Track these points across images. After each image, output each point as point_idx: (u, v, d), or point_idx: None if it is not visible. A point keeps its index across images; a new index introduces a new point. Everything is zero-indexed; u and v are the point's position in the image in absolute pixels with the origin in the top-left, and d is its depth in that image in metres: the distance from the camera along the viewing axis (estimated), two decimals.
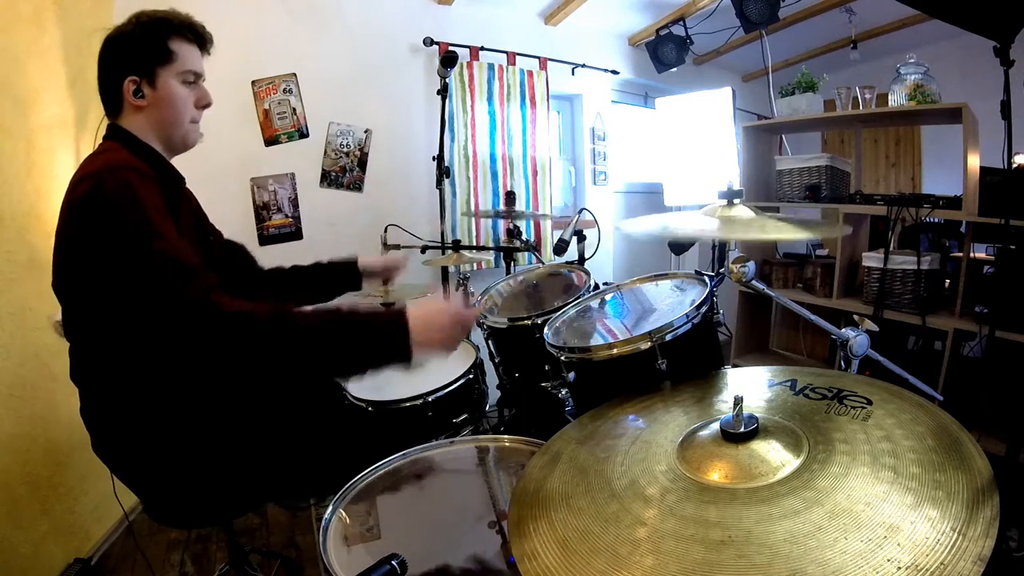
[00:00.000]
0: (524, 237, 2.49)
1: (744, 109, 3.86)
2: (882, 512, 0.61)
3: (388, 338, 0.99)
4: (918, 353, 2.67)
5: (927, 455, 0.69)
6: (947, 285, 2.54)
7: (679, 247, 3.89)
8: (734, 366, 1.91)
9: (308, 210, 2.75)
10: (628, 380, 1.14)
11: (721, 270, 1.51)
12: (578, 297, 1.56)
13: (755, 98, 4.18)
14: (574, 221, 2.11)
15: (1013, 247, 2.10)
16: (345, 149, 2.82)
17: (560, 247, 2.07)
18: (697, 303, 1.16)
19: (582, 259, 2.23)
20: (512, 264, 2.49)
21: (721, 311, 1.28)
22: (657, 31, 3.50)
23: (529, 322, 1.56)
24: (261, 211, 2.65)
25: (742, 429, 0.78)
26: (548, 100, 3.37)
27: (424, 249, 2.49)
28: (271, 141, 2.64)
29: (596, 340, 1.32)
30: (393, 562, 0.74)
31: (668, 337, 1.11)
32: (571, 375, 1.24)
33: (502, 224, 3.16)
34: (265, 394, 1.21)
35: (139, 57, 1.11)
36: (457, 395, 1.60)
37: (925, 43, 3.43)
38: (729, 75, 4.43)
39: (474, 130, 3.11)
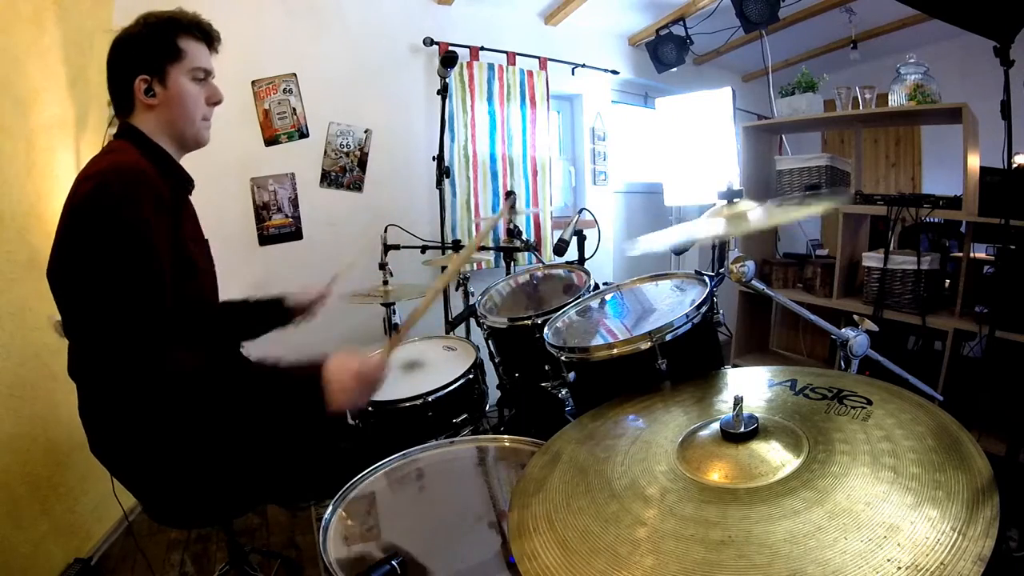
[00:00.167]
0: (524, 237, 2.49)
1: (744, 109, 3.86)
2: (882, 512, 0.61)
3: (304, 401, 1.03)
4: (918, 353, 2.67)
5: (927, 455, 0.69)
6: (947, 285, 2.54)
7: (679, 247, 3.89)
8: (734, 366, 1.91)
9: (308, 210, 2.75)
10: (628, 380, 1.14)
11: (721, 270, 1.51)
12: (578, 297, 1.56)
13: (755, 98, 4.18)
14: (574, 221, 2.11)
15: (1013, 247, 2.10)
16: (345, 149, 2.82)
17: (560, 247, 2.07)
18: (697, 303, 1.16)
19: (582, 259, 2.23)
20: (512, 264, 2.49)
21: (721, 311, 1.28)
22: (657, 31, 3.50)
23: (529, 322, 1.56)
24: (261, 211, 2.64)
25: (742, 429, 0.78)
26: (548, 100, 3.37)
27: (424, 249, 2.49)
28: (271, 141, 2.64)
29: (596, 340, 1.32)
30: (393, 562, 0.74)
31: (668, 337, 1.11)
32: (571, 375, 1.24)
33: (502, 224, 3.16)
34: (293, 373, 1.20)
35: (149, 56, 1.12)
36: (457, 395, 1.60)
37: (925, 43, 3.42)
38: (729, 75, 4.43)
39: (474, 130, 3.11)
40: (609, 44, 3.77)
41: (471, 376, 1.65)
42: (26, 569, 1.64)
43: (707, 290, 1.20)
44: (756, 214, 1.13)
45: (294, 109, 2.66)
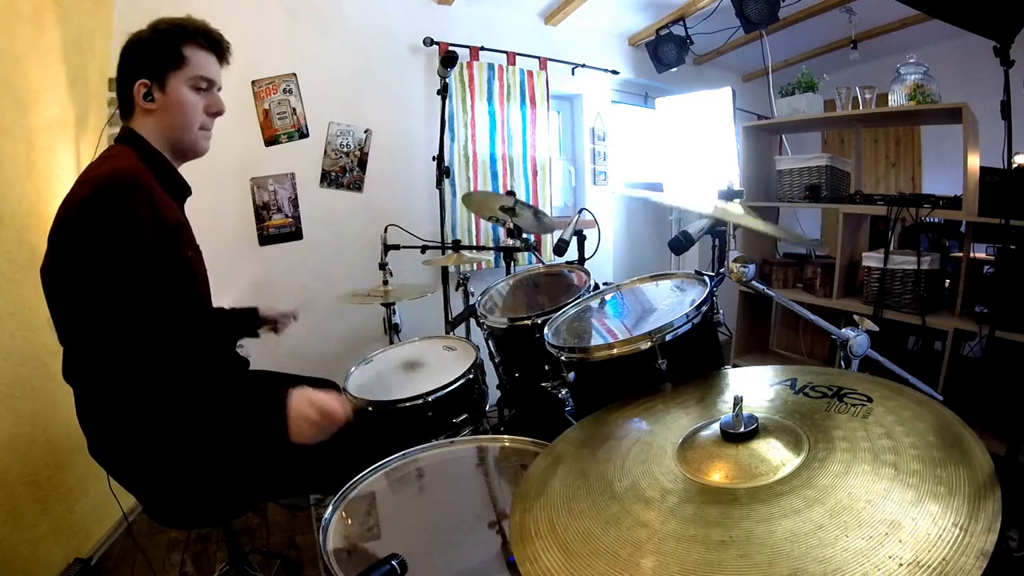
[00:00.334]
0: (524, 237, 2.49)
1: (744, 109, 3.86)
2: (883, 509, 0.61)
3: (265, 422, 1.05)
4: (918, 353, 2.67)
5: (928, 451, 0.69)
6: (947, 285, 2.54)
7: (679, 247, 3.89)
8: (734, 366, 1.91)
9: (308, 210, 2.75)
10: (628, 380, 1.14)
11: (721, 270, 1.51)
12: (578, 297, 1.56)
13: (755, 98, 4.18)
14: (574, 221, 2.11)
15: (1013, 247, 2.10)
16: (345, 149, 2.82)
17: (560, 247, 2.07)
18: (697, 303, 1.16)
19: (582, 259, 2.23)
20: (512, 264, 2.49)
21: (721, 311, 1.29)
22: (657, 31, 3.50)
23: (529, 322, 1.56)
24: (261, 211, 2.64)
25: (742, 429, 0.78)
26: (548, 100, 3.37)
27: (424, 249, 2.49)
28: (271, 141, 2.64)
29: (596, 340, 1.32)
30: (393, 562, 0.74)
31: (668, 337, 1.11)
32: (571, 375, 1.24)
33: (502, 224, 3.16)
34: (264, 394, 1.21)
35: (151, 61, 1.13)
36: (457, 395, 1.60)
37: (925, 43, 3.42)
38: (729, 75, 4.43)
39: (474, 130, 3.12)
40: (609, 44, 3.77)
41: (471, 376, 1.65)
42: (26, 569, 1.64)
43: (707, 290, 1.20)
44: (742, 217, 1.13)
45: (294, 109, 2.66)
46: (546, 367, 1.60)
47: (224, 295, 1.49)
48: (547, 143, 3.39)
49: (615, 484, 0.79)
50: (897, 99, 2.57)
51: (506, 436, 1.23)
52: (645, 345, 1.11)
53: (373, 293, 2.22)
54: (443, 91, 2.54)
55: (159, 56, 1.13)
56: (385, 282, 2.25)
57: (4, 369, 1.61)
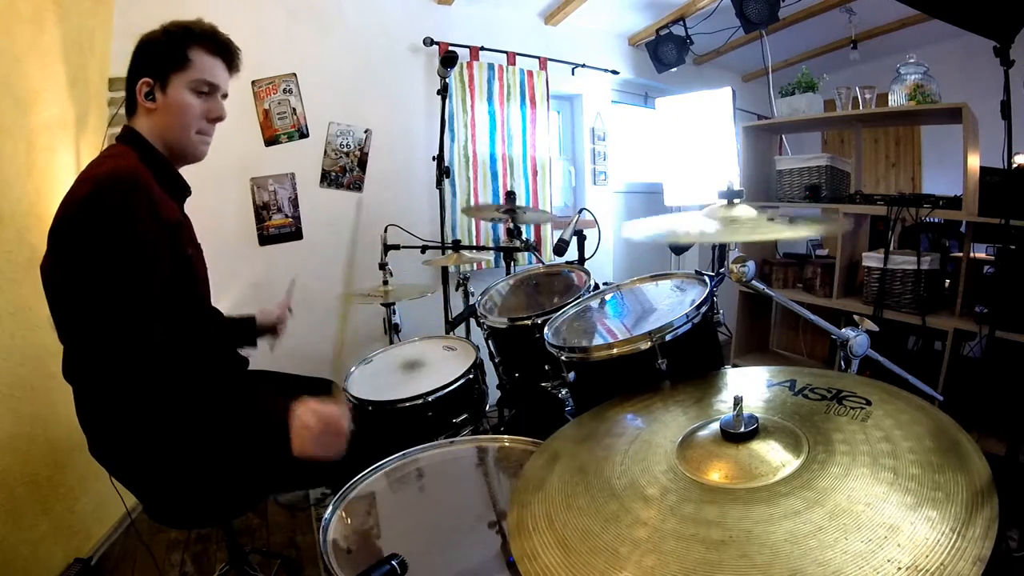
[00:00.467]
0: (524, 237, 2.49)
1: (744, 109, 3.86)
2: (882, 513, 0.61)
3: (267, 434, 1.05)
4: (918, 353, 2.67)
5: (926, 456, 0.69)
6: (947, 285, 2.53)
7: (679, 247, 3.89)
8: (734, 366, 1.91)
9: (308, 210, 2.75)
10: (628, 380, 1.13)
11: (721, 270, 1.51)
12: (578, 297, 1.56)
13: (755, 98, 4.18)
14: (574, 221, 2.11)
15: (1013, 247, 2.09)
16: (345, 149, 2.82)
17: (560, 247, 2.07)
18: (697, 303, 1.16)
19: (582, 259, 2.23)
20: (512, 264, 2.49)
21: (721, 311, 1.28)
22: (657, 31, 3.50)
23: (529, 322, 1.56)
24: (261, 211, 2.65)
25: (742, 429, 0.78)
26: (548, 100, 3.37)
27: (424, 249, 2.49)
28: (271, 141, 2.64)
29: (596, 340, 1.32)
30: (393, 562, 0.74)
31: (668, 337, 1.11)
32: (571, 375, 1.24)
33: (502, 224, 3.16)
34: (263, 394, 1.21)
35: (156, 61, 1.13)
36: (457, 395, 1.60)
37: (925, 43, 3.42)
38: (729, 75, 4.43)
39: (474, 130, 3.11)
40: (609, 44, 3.77)
41: (471, 376, 1.65)
42: (26, 569, 1.64)
43: (707, 290, 1.20)
44: (752, 224, 1.12)
45: (294, 109, 2.66)
46: (546, 367, 1.60)
47: (224, 295, 1.49)
48: (547, 143, 3.39)
49: (614, 481, 0.79)
50: (897, 99, 2.57)
51: (506, 436, 1.23)
52: (645, 345, 1.11)
53: (373, 293, 2.22)
54: (443, 91, 2.54)
55: (164, 56, 1.13)
56: (385, 282, 2.25)
57: (4, 369, 1.61)
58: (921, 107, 2.47)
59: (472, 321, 2.41)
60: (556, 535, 0.71)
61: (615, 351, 1.14)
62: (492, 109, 3.17)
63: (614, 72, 3.68)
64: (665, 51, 3.49)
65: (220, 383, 1.10)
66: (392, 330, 2.31)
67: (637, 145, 4.19)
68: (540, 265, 2.10)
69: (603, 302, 1.51)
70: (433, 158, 2.64)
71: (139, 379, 0.97)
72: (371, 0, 2.85)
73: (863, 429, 0.76)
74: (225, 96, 1.23)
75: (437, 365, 1.76)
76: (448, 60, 2.45)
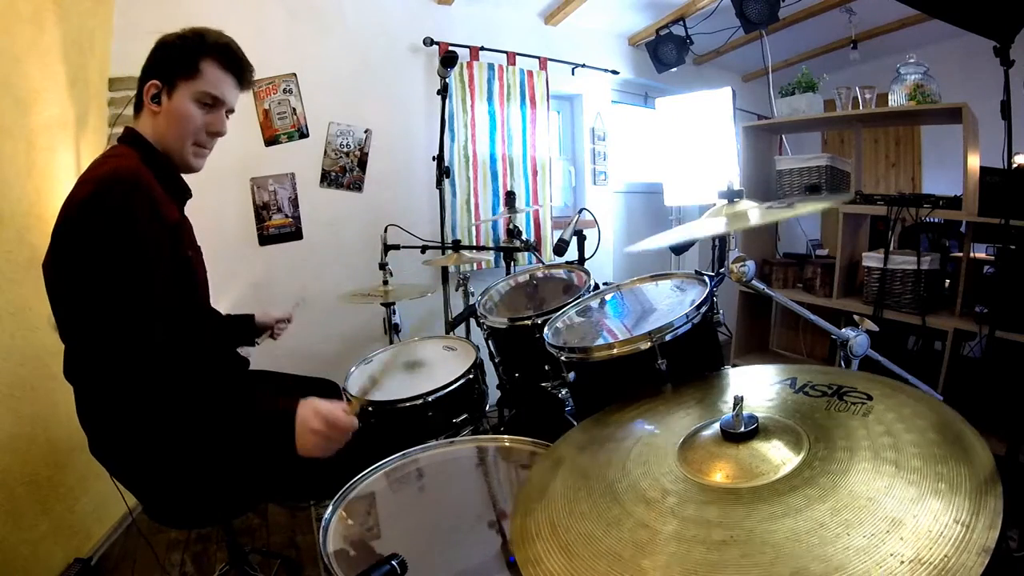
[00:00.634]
0: (524, 237, 2.49)
1: (744, 109, 3.86)
2: (885, 507, 0.61)
3: (272, 433, 1.05)
4: (918, 353, 2.67)
5: (929, 448, 0.68)
6: (947, 285, 2.54)
7: (679, 247, 3.89)
8: (734, 366, 1.91)
9: (308, 210, 2.75)
10: (628, 380, 1.14)
11: (721, 270, 1.51)
12: (578, 297, 1.56)
13: (755, 98, 4.18)
14: (574, 221, 2.11)
15: (1013, 247, 2.10)
16: (345, 149, 2.82)
17: (560, 247, 2.07)
18: (697, 303, 1.16)
19: (582, 259, 2.23)
20: (512, 264, 2.49)
21: (721, 311, 1.29)
22: (657, 31, 3.50)
23: (529, 322, 1.56)
24: (261, 211, 2.64)
25: (742, 429, 0.78)
26: (548, 100, 3.37)
27: (424, 249, 2.49)
28: (271, 141, 2.64)
29: (596, 340, 1.32)
30: (393, 562, 0.74)
31: (668, 337, 1.11)
32: (571, 375, 1.24)
33: (502, 224, 3.16)
34: (263, 394, 1.21)
35: (167, 65, 1.14)
36: (457, 395, 1.60)
37: (925, 43, 3.42)
38: (729, 75, 4.43)
39: (474, 130, 3.11)
40: (609, 44, 3.77)
41: (471, 376, 1.65)
42: (26, 569, 1.64)
43: (707, 290, 1.20)
44: (756, 213, 1.13)
45: (294, 109, 2.66)
46: (546, 367, 1.60)
47: (224, 295, 1.49)
48: (547, 143, 3.39)
49: (616, 485, 0.79)
50: (897, 99, 2.57)
51: (506, 436, 1.23)
52: (645, 345, 1.11)
53: (373, 293, 2.22)
54: (443, 91, 2.54)
55: (175, 62, 1.14)
56: (385, 282, 2.25)
57: (4, 369, 1.61)
58: (921, 107, 2.47)
59: (472, 321, 2.41)
60: (559, 541, 0.71)
61: (615, 351, 1.14)
62: (492, 109, 3.17)
63: (614, 72, 3.68)
64: (665, 51, 3.49)
65: (220, 383, 1.10)
66: (392, 330, 2.31)
67: (637, 145, 4.19)
68: (540, 265, 2.10)
69: (603, 302, 1.51)
70: (433, 158, 2.64)
71: (140, 379, 0.97)
72: (371, 0, 2.85)
73: (864, 424, 0.76)
74: (231, 112, 1.23)
75: (437, 365, 1.76)
76: (448, 60, 2.45)
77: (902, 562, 0.54)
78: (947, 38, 3.32)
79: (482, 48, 3.10)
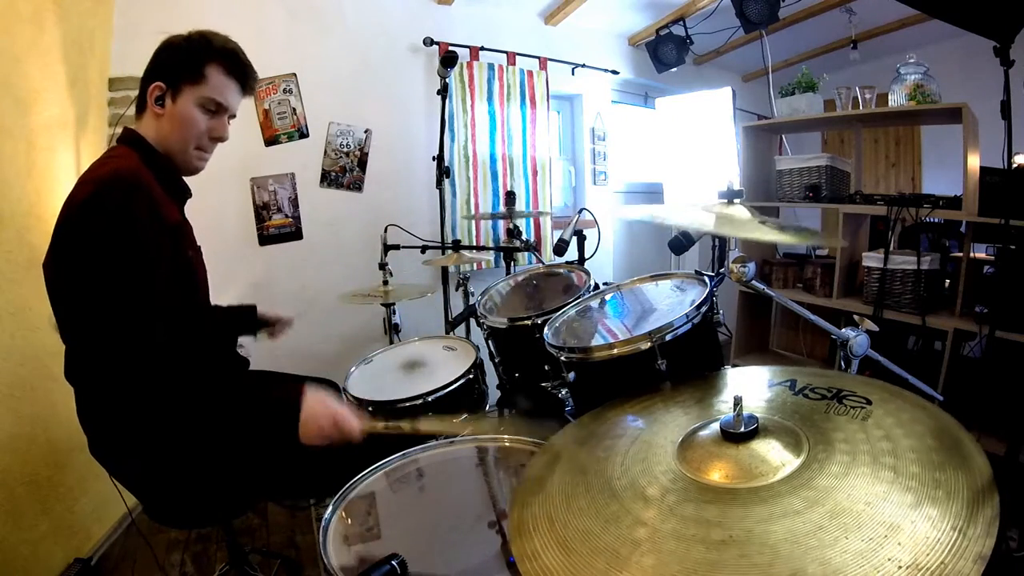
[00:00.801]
0: (524, 237, 2.49)
1: (744, 109, 3.86)
2: (882, 511, 0.61)
3: (277, 420, 1.08)
4: (918, 353, 2.67)
5: (927, 454, 0.69)
6: (947, 285, 2.53)
7: (679, 247, 3.89)
8: (734, 366, 1.91)
9: (308, 210, 2.75)
10: (628, 380, 1.13)
11: (721, 270, 1.51)
12: (578, 297, 1.56)
13: (755, 98, 4.18)
14: (574, 221, 2.11)
15: (1013, 247, 2.09)
16: (345, 149, 2.82)
17: (560, 247, 2.07)
18: (697, 303, 1.16)
19: (582, 259, 2.23)
20: (512, 264, 2.49)
21: (721, 311, 1.28)
22: (657, 31, 3.50)
23: (529, 322, 1.56)
24: (261, 211, 2.65)
25: (742, 429, 0.78)
26: (548, 100, 3.37)
27: (424, 249, 2.49)
28: (271, 141, 2.64)
29: (596, 340, 1.32)
30: (393, 562, 0.74)
31: (668, 337, 1.11)
32: (571, 375, 1.24)
33: (502, 224, 3.16)
34: (263, 393, 1.21)
35: (172, 68, 1.14)
36: (457, 395, 1.60)
37: (925, 43, 3.42)
38: (729, 75, 4.43)
39: (474, 130, 3.11)
40: (609, 44, 3.77)
41: (471, 376, 1.65)
42: (26, 569, 1.64)
43: (707, 290, 1.20)
44: (745, 224, 1.13)
45: (294, 109, 2.66)
46: (546, 367, 1.60)
47: (224, 295, 1.49)
48: (547, 143, 3.39)
49: (614, 482, 0.79)
50: (897, 99, 2.57)
51: (506, 436, 1.23)
52: (645, 345, 1.11)
53: (373, 293, 2.22)
54: (443, 91, 2.54)
55: (180, 65, 1.14)
56: (385, 282, 2.25)
57: (4, 369, 1.61)
58: (921, 107, 2.47)
59: (472, 321, 2.41)
60: (557, 536, 0.71)
61: (615, 351, 1.14)
62: (492, 109, 3.17)
63: (614, 72, 3.68)
64: (665, 51, 3.49)
65: (221, 383, 1.10)
66: (392, 330, 2.31)
67: (637, 145, 4.19)
68: (540, 265, 2.10)
69: (603, 302, 1.51)
70: (433, 158, 2.64)
71: (141, 379, 0.97)
72: (371, 0, 2.85)
73: (863, 428, 0.76)
74: (233, 117, 1.23)
75: (437, 365, 1.76)
76: (448, 60, 2.45)
77: (899, 567, 0.54)
78: (947, 38, 3.31)
79: (482, 48, 3.10)
